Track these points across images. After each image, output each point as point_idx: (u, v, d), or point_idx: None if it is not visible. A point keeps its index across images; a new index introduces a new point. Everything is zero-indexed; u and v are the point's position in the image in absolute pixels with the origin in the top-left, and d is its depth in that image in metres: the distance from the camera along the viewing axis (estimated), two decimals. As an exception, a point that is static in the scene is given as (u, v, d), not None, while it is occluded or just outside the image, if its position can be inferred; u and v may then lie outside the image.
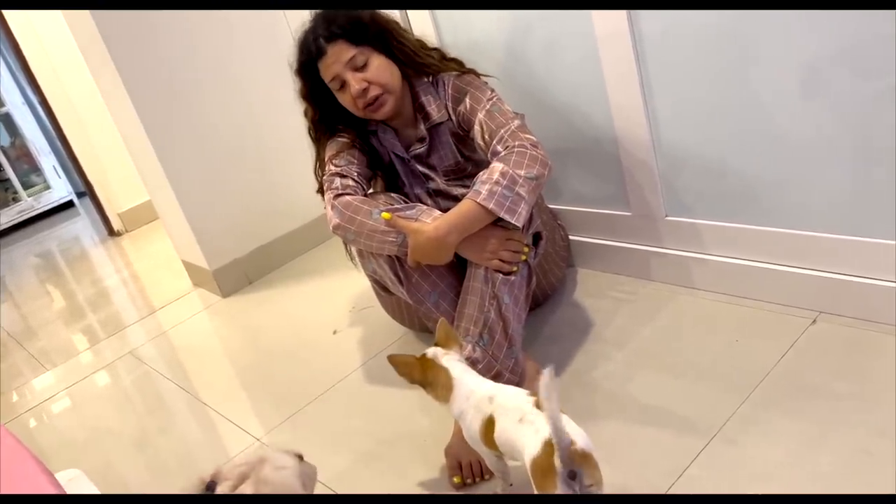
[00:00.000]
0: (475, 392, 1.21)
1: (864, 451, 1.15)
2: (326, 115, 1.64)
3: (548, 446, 1.01)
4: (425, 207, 1.48)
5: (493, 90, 1.58)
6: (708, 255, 1.64)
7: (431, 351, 1.25)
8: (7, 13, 3.53)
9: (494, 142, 1.48)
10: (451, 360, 1.25)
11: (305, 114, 1.66)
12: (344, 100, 1.56)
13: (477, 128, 1.54)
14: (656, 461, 1.26)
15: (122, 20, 2.25)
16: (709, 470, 1.21)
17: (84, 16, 2.26)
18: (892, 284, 1.35)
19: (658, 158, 1.63)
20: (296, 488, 1.01)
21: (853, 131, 1.30)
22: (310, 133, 1.69)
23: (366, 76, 1.51)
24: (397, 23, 1.60)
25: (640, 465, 1.26)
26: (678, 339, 1.57)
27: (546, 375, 0.97)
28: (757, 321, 1.53)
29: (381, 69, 1.53)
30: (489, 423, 1.17)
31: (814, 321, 1.46)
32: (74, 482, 1.15)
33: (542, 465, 1.00)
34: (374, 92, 1.52)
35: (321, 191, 1.65)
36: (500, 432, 1.15)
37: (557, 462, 0.97)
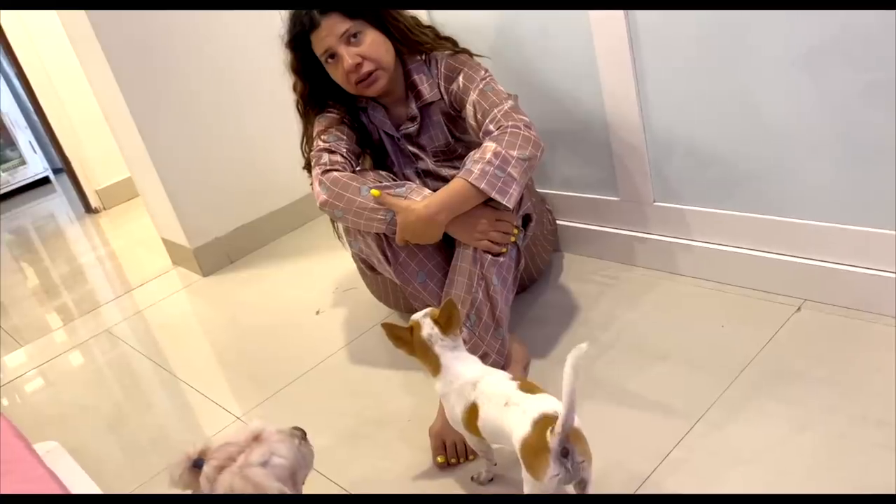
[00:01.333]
0: (459, 378, 1.20)
1: (845, 437, 1.16)
2: (316, 90, 1.60)
3: (537, 425, 1.01)
4: (415, 185, 1.46)
5: (486, 70, 1.56)
6: (695, 241, 1.64)
7: (427, 331, 1.22)
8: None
9: (487, 121, 1.47)
10: (445, 348, 1.22)
11: (294, 88, 1.63)
12: (335, 74, 1.53)
13: (469, 107, 1.52)
14: (640, 444, 1.26)
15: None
16: (692, 453, 1.22)
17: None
18: (878, 273, 1.36)
19: (648, 144, 1.62)
20: (278, 489, 0.94)
21: (841, 121, 1.30)
22: (297, 108, 1.66)
23: (360, 51, 1.49)
24: None
25: (623, 449, 1.26)
26: (663, 324, 1.57)
27: (576, 352, 0.95)
28: (742, 307, 1.53)
29: (375, 44, 1.50)
30: (472, 410, 1.16)
31: (798, 308, 1.47)
32: (52, 454, 1.12)
33: (534, 444, 1.00)
34: (367, 67, 1.49)
35: (308, 167, 1.62)
36: (485, 419, 1.14)
37: (554, 440, 0.96)
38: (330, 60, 1.51)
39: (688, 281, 1.67)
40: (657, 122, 1.59)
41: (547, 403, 1.05)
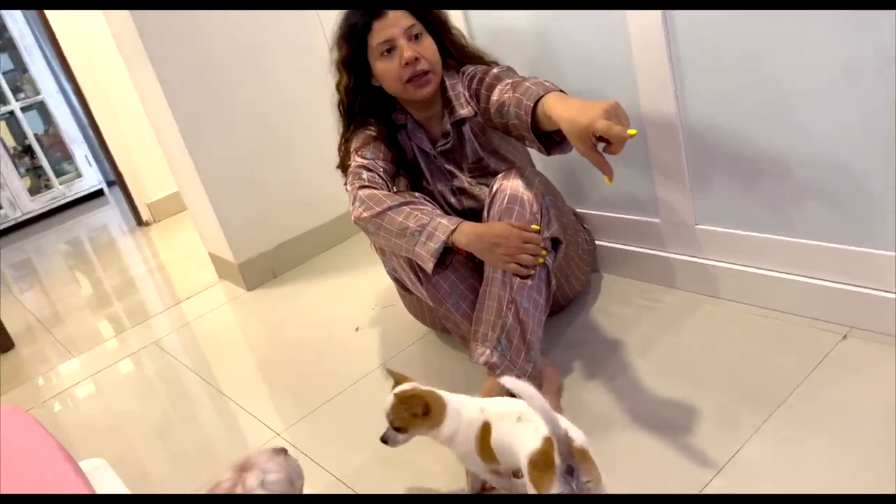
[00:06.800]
0: (464, 405, 1.23)
1: (893, 472, 1.13)
2: (360, 85, 1.60)
3: (547, 442, 1.02)
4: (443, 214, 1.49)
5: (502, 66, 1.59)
6: (737, 265, 1.61)
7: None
8: None
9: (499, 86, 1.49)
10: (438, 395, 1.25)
11: (338, 85, 1.63)
12: (388, 68, 1.53)
13: (491, 93, 1.52)
14: (679, 473, 1.24)
15: (155, 10, 2.27)
16: (733, 483, 1.19)
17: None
18: (928, 302, 1.32)
19: (689, 166, 1.60)
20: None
21: (889, 141, 1.27)
22: (339, 107, 1.66)
23: (420, 49, 1.52)
24: (448, 15, 1.63)
25: (661, 478, 1.24)
26: (703, 349, 1.55)
27: (507, 384, 0.98)
28: (785, 334, 1.50)
29: (432, 49, 1.55)
30: (485, 430, 1.18)
31: (844, 336, 1.43)
32: (98, 471, 1.17)
33: (541, 460, 1.02)
34: (423, 66, 1.52)
35: (341, 166, 1.66)
36: (497, 436, 1.16)
37: (557, 457, 0.98)
38: (386, 53, 1.52)
39: (730, 305, 1.64)
40: (698, 143, 1.57)
41: (561, 422, 1.07)
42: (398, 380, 1.28)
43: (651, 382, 1.48)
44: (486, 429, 1.17)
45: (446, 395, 1.25)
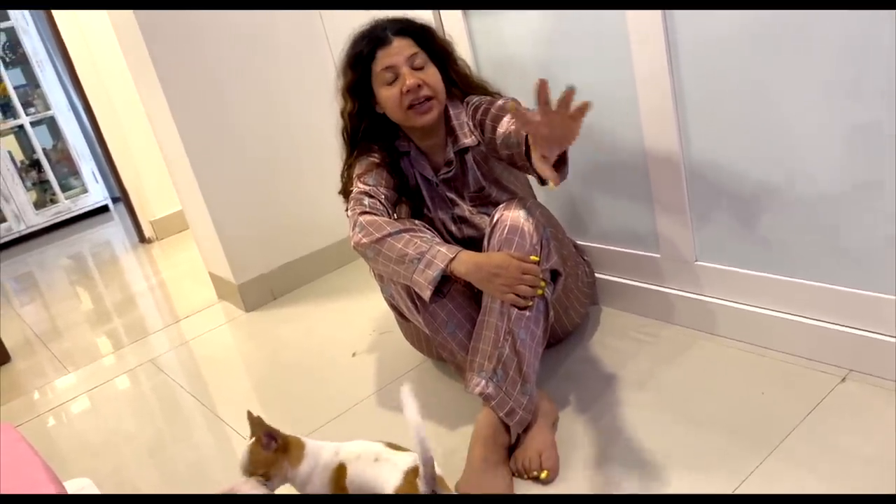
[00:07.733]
0: (323, 448, 1.26)
1: (890, 520, 1.11)
2: (363, 111, 1.62)
3: (409, 476, 1.10)
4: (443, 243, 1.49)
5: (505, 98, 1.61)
6: (736, 303, 1.61)
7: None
8: (57, 16, 3.64)
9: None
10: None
11: (342, 112, 1.65)
12: (390, 95, 1.55)
13: (491, 118, 1.55)
14: (672, 513, 1.23)
15: (165, 26, 2.30)
16: (726, 526, 1.18)
17: (128, 19, 2.30)
18: (928, 347, 1.31)
19: (691, 202, 1.61)
20: None
21: (891, 184, 1.27)
22: (343, 133, 1.68)
23: (422, 76, 1.53)
24: (454, 46, 1.65)
25: (654, 516, 1.23)
26: (700, 386, 1.53)
27: (404, 389, 1.04)
28: (783, 374, 1.49)
29: (436, 77, 1.56)
30: (340, 471, 1.20)
31: (843, 379, 1.42)
32: (84, 492, 1.15)
33: (406, 491, 1.08)
34: (425, 92, 1.54)
35: (344, 192, 1.67)
36: (353, 477, 1.18)
37: (421, 484, 1.04)
38: (389, 80, 1.54)
39: (728, 343, 1.63)
40: (701, 179, 1.57)
41: (416, 458, 1.13)
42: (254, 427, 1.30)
43: (646, 418, 1.47)
44: (341, 470, 1.20)
45: (304, 438, 1.28)
